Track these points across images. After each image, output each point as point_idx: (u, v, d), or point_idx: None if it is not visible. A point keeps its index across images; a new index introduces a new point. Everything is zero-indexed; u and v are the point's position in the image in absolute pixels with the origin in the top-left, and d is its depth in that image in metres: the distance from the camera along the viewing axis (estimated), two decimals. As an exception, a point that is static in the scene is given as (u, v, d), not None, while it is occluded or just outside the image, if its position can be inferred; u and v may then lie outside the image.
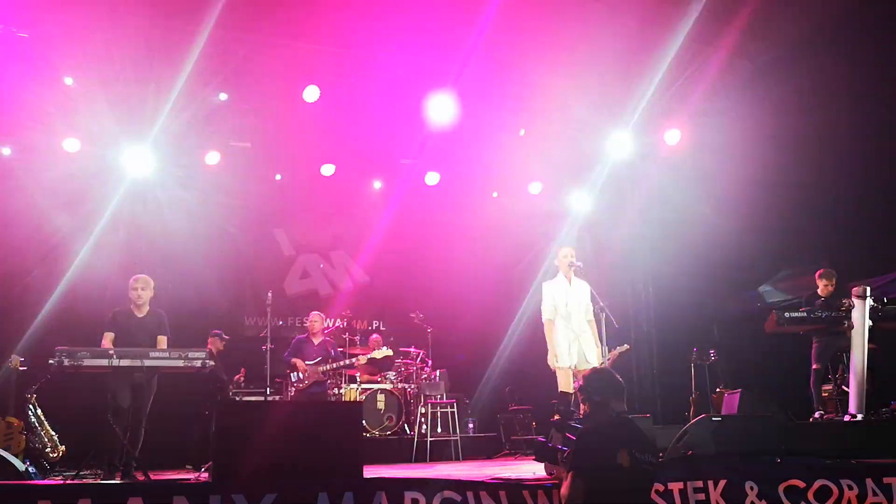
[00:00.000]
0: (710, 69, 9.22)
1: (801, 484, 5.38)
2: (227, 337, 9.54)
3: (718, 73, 9.21)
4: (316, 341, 9.38)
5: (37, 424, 8.00)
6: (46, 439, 8.00)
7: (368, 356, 9.75)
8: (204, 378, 7.28)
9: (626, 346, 9.55)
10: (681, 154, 10.55)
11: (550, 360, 7.27)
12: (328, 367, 9.22)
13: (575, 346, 7.22)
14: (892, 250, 8.83)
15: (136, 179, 9.72)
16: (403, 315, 11.42)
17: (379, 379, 10.56)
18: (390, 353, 10.13)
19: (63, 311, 9.09)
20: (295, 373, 9.20)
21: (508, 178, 11.59)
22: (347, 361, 9.41)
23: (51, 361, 6.02)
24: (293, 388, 9.19)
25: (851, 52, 8.58)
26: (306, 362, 9.23)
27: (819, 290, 8.19)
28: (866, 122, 8.83)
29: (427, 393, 9.96)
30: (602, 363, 7.20)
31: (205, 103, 9.20)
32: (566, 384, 7.14)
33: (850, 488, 5.43)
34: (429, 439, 9.48)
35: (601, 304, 7.29)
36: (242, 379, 9.72)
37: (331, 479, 4.71)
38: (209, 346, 9.39)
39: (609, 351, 7.38)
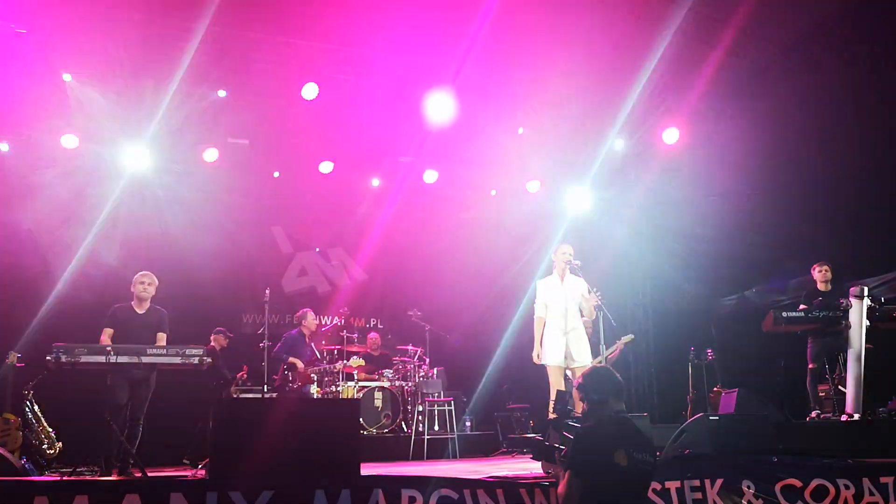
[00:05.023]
0: (708, 68, 9.21)
1: (798, 483, 5.39)
2: (231, 334, 9.57)
3: (717, 72, 9.20)
4: (309, 342, 9.41)
5: (34, 421, 8.00)
6: (43, 436, 8.00)
7: (347, 363, 9.82)
8: (207, 375, 7.29)
9: (630, 336, 9.55)
10: (679, 152, 10.56)
11: (534, 356, 7.31)
12: (316, 368, 9.28)
13: (562, 344, 7.21)
14: (891, 250, 8.82)
15: (134, 176, 9.72)
16: (401, 313, 11.40)
17: (376, 377, 10.55)
18: (362, 362, 10.14)
19: (61, 308, 9.07)
20: (292, 373, 9.20)
21: (507, 176, 11.59)
22: (327, 367, 9.43)
23: (48, 358, 6.02)
24: (288, 388, 9.19)
25: (850, 50, 8.58)
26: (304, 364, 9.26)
27: (818, 285, 8.19)
28: (864, 121, 8.82)
29: (424, 391, 9.95)
30: (607, 354, 7.18)
31: (203, 100, 9.19)
32: (558, 382, 7.15)
33: (847, 488, 5.43)
34: (426, 437, 9.46)
35: (598, 302, 7.29)
36: (245, 376, 9.72)
37: (328, 476, 4.70)
38: (212, 343, 9.42)
39: (608, 346, 7.36)
